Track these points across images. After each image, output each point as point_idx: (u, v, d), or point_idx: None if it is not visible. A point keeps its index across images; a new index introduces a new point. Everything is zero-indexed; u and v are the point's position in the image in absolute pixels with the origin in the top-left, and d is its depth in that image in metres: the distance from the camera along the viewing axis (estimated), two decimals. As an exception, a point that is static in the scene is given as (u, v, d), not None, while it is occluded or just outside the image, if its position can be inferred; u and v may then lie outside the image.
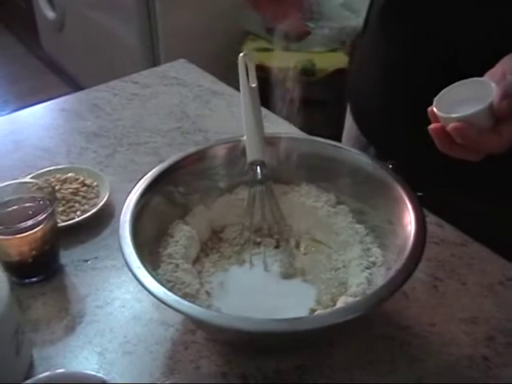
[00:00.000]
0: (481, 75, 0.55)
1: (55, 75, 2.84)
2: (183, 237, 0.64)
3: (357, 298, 0.56)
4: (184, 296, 0.57)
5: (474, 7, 0.65)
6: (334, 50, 2.00)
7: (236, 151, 0.71)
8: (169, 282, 0.58)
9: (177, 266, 0.60)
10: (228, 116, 0.98)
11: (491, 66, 0.56)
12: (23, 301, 0.65)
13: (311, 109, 2.30)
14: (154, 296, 0.51)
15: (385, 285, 0.52)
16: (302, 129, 0.91)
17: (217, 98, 1.03)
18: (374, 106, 0.83)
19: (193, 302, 0.52)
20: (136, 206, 0.61)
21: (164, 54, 2.14)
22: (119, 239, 0.57)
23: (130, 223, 0.59)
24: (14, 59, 3.00)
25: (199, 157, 0.70)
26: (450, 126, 0.51)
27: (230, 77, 1.08)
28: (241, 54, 0.69)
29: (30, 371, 0.57)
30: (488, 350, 0.59)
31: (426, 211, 0.75)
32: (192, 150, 0.70)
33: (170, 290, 0.54)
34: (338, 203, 0.69)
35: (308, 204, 0.69)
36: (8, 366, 0.54)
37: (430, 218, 0.75)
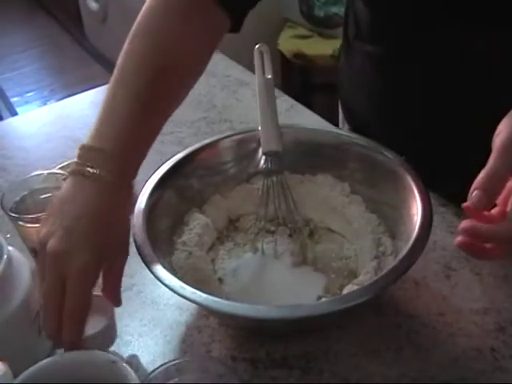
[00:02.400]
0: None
1: (100, 65, 2.92)
2: (198, 225, 0.66)
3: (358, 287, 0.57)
4: (195, 282, 0.59)
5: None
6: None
7: (253, 142, 0.73)
8: (181, 268, 0.61)
9: (190, 253, 0.63)
10: (253, 105, 0.98)
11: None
12: (48, 285, 0.68)
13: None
14: (162, 282, 0.54)
15: (384, 275, 0.53)
16: (335, 113, 0.92)
17: (244, 88, 1.05)
18: (359, 104, 0.83)
19: (199, 289, 0.54)
20: (151, 196, 0.64)
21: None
22: (133, 228, 0.59)
23: (144, 213, 0.62)
24: (60, 50, 3.09)
25: (216, 147, 0.72)
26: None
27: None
28: (256, 46, 0.71)
29: (52, 351, 0.61)
30: (497, 342, 0.59)
31: (445, 201, 0.75)
32: (208, 140, 0.73)
33: (181, 276, 0.56)
34: (353, 192, 0.70)
35: (322, 193, 0.70)
36: (31, 346, 0.58)
37: (448, 208, 0.74)
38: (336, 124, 0.91)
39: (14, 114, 2.39)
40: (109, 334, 0.59)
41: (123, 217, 0.57)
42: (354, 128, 0.85)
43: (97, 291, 0.56)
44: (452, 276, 0.66)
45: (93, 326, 0.58)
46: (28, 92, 2.77)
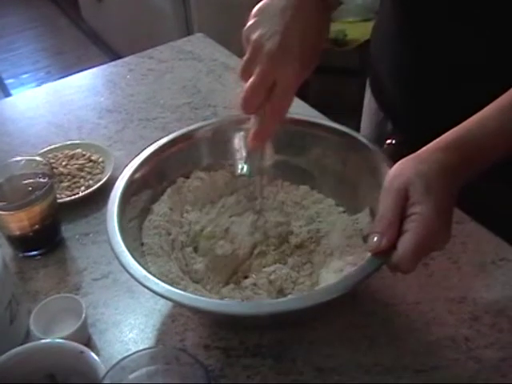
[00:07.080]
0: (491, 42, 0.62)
1: (97, 46, 2.89)
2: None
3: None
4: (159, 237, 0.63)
5: None
6: (366, 20, 1.95)
7: (234, 128, 0.73)
8: (156, 227, 0.64)
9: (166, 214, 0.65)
10: (238, 91, 0.98)
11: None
12: (25, 272, 0.68)
13: (344, 79, 2.27)
14: (129, 272, 0.54)
15: (353, 273, 0.52)
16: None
17: (229, 73, 1.03)
18: (387, 78, 0.82)
19: (163, 281, 0.54)
20: (129, 180, 0.64)
21: (198, 23, 2.14)
22: (106, 213, 0.60)
23: (120, 197, 0.62)
24: (56, 31, 3.07)
25: (192, 135, 0.71)
26: None
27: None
28: None
29: (26, 339, 0.61)
30: (471, 331, 0.59)
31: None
32: (191, 127, 0.72)
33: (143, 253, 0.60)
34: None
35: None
36: (2, 334, 0.58)
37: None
38: (326, 107, 0.90)
39: (8, 96, 2.37)
40: (82, 335, 0.59)
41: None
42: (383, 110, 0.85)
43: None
44: (429, 264, 0.66)
45: (66, 327, 0.58)
46: (24, 74, 2.75)
